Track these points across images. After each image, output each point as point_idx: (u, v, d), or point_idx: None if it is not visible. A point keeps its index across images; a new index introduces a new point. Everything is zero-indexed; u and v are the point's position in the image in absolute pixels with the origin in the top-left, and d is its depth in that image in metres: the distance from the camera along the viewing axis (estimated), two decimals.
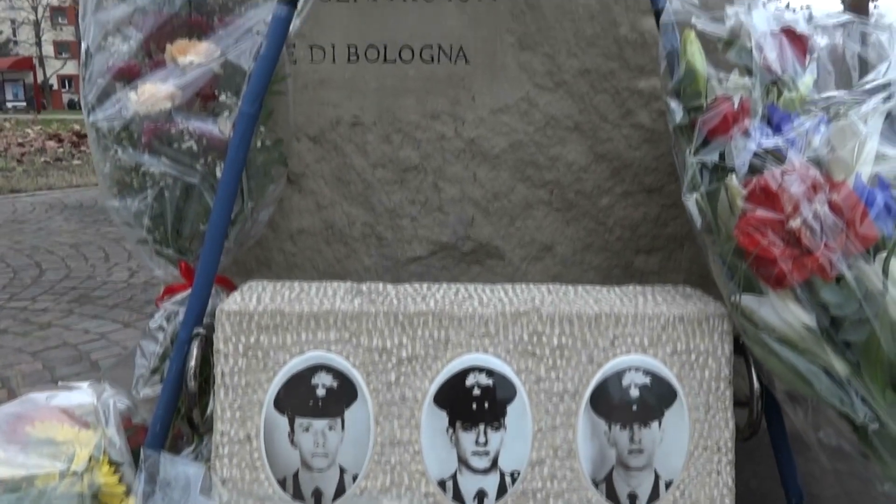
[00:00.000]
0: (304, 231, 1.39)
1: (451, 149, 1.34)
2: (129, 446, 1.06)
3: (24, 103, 35.88)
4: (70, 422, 1.03)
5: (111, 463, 1.01)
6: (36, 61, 38.19)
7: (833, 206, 0.88)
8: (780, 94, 1.00)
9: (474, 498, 1.02)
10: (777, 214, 0.89)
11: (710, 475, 1.03)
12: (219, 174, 1.14)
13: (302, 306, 1.03)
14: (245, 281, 1.17)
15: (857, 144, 0.91)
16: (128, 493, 1.01)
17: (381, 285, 1.14)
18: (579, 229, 1.37)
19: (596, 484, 1.02)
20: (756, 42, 1.01)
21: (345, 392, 1.02)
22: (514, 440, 1.02)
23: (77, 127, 10.53)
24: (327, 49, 1.32)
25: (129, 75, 1.16)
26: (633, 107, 1.32)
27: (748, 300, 0.93)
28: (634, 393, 1.03)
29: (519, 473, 1.02)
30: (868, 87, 1.00)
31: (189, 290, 1.13)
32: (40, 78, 38.61)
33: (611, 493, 1.02)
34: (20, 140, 9.32)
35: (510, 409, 1.02)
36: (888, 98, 0.95)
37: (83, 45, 1.19)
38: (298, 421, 1.02)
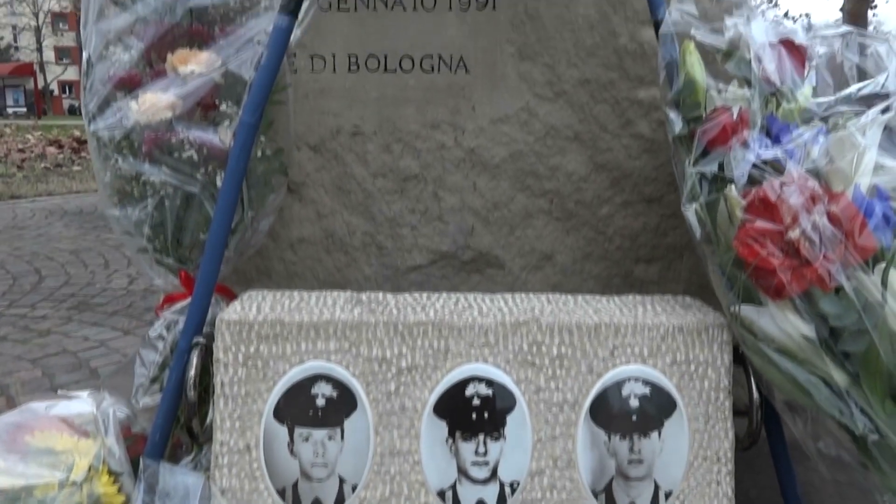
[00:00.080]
0: (304, 240, 1.39)
1: (452, 158, 1.35)
2: (129, 456, 1.06)
3: (25, 109, 35.93)
4: (69, 431, 1.03)
5: (110, 472, 1.01)
6: (37, 67, 38.28)
7: (832, 217, 0.88)
8: (778, 104, 1.00)
9: None
10: (776, 225, 0.89)
11: (709, 485, 1.03)
12: (219, 183, 1.14)
13: (302, 316, 1.03)
14: (245, 290, 1.17)
15: (855, 155, 0.91)
16: (127, 502, 1.01)
17: (380, 295, 1.14)
18: (579, 239, 1.38)
19: (595, 494, 1.02)
20: (755, 53, 1.02)
21: (344, 402, 1.02)
22: (514, 450, 1.02)
23: (77, 132, 10.51)
24: (328, 59, 1.32)
25: (130, 84, 1.16)
26: (633, 117, 1.33)
27: (747, 310, 0.93)
28: (634, 403, 1.03)
29: (518, 484, 1.02)
30: (863, 92, 1.00)
31: (189, 300, 1.13)
32: (41, 83, 38.67)
33: None
34: (20, 146, 9.32)
35: (510, 419, 1.02)
36: (886, 109, 0.95)
37: (84, 55, 1.20)
38: (298, 431, 1.01)
